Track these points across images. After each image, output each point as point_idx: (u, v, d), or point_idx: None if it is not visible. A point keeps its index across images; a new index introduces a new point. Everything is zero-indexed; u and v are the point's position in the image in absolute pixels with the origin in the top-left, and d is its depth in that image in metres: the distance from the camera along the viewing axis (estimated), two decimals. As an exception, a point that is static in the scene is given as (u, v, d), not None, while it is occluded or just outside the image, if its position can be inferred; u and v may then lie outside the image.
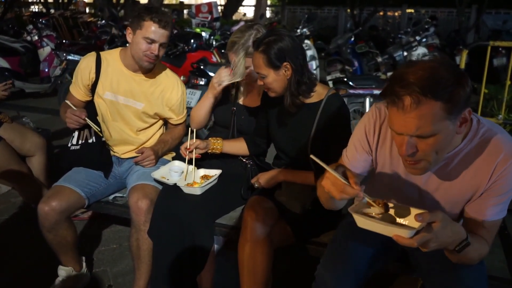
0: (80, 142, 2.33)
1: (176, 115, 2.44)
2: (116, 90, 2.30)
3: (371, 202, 1.28)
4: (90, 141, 2.32)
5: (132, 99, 2.31)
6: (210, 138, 2.26)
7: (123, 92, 2.30)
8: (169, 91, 2.37)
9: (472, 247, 1.25)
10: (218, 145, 2.24)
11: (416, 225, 1.16)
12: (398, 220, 1.28)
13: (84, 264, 2.39)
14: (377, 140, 1.51)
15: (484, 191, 1.36)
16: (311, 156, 1.32)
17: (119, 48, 2.35)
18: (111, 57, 2.32)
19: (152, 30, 2.11)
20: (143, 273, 2.16)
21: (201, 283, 2.08)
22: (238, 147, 2.30)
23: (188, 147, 2.15)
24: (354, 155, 1.56)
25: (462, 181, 1.39)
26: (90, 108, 2.34)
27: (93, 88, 2.31)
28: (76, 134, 2.36)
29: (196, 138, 2.19)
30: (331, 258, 1.59)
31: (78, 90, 2.34)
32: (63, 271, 2.27)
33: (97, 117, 2.34)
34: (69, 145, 2.36)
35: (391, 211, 1.29)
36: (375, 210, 1.29)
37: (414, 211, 1.25)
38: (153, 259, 2.11)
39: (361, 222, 1.22)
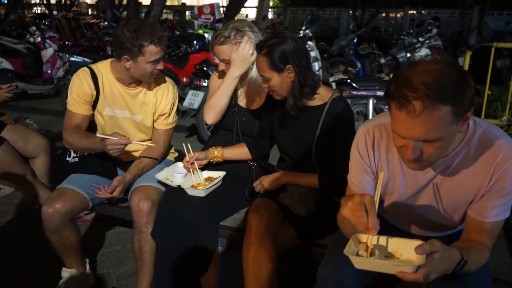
0: (78, 154, 2.32)
1: (164, 117, 2.34)
2: (113, 105, 2.27)
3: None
4: (86, 153, 2.30)
5: (128, 111, 2.29)
6: (209, 148, 2.26)
7: (119, 106, 2.27)
8: (160, 97, 2.32)
9: (471, 261, 1.24)
10: (218, 153, 2.25)
11: (411, 255, 1.14)
12: (393, 252, 1.24)
13: (87, 266, 2.38)
14: (373, 159, 1.52)
15: (485, 192, 1.36)
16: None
17: (109, 60, 2.29)
18: (104, 70, 2.25)
19: (155, 52, 2.09)
20: (146, 274, 2.16)
21: (205, 285, 2.07)
22: (239, 152, 2.29)
23: (188, 161, 2.18)
24: (359, 180, 1.56)
25: (462, 183, 1.39)
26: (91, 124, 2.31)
27: (93, 104, 2.26)
28: None
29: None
30: (332, 259, 1.58)
31: (81, 106, 2.23)
32: (66, 273, 2.26)
33: (97, 132, 2.28)
34: (67, 158, 2.34)
35: (378, 246, 1.25)
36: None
37: (407, 242, 1.22)
38: (156, 261, 2.11)
39: (359, 263, 1.18)
